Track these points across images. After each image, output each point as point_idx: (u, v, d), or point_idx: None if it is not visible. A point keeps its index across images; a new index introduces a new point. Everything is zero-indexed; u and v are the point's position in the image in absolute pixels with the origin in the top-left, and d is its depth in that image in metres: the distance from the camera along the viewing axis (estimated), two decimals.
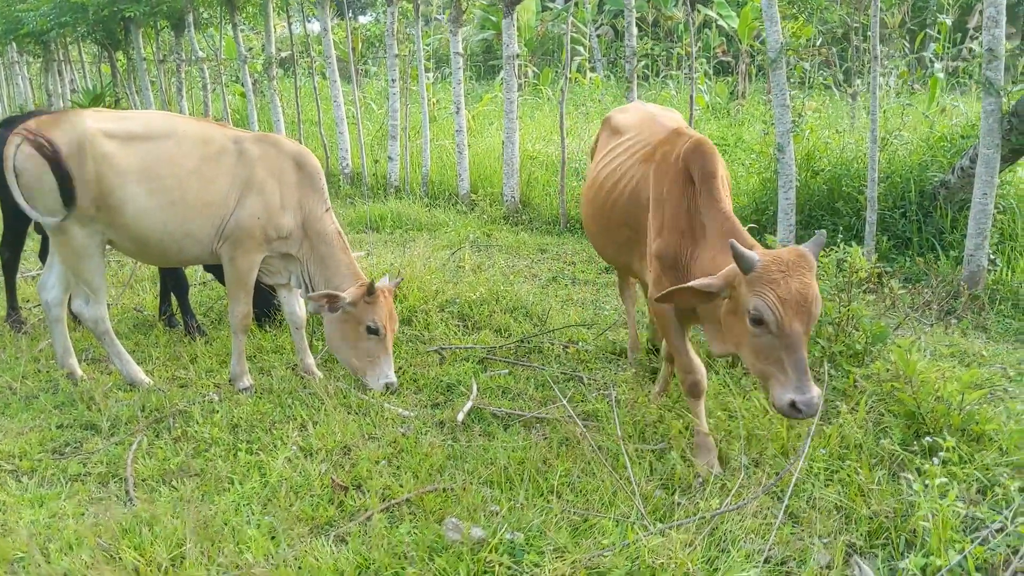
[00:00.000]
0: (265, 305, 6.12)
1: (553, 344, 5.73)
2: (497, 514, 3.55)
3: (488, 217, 9.85)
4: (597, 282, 7.47)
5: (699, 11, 23.70)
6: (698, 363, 4.08)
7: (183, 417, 4.71)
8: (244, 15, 14.50)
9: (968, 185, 6.97)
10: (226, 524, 3.57)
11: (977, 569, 3.00)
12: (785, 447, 4.07)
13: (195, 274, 7.58)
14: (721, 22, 22.27)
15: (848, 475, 3.73)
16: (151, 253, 5.02)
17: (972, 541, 3.13)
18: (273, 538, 3.49)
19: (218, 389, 5.17)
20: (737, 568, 3.11)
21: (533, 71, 24.53)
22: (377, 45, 23.09)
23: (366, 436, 4.47)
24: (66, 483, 4.09)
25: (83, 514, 3.76)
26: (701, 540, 3.28)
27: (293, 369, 5.47)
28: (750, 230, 7.58)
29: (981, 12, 20.38)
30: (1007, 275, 6.73)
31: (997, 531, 3.30)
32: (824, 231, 3.61)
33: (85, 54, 21.25)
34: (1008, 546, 3.19)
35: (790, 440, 4.08)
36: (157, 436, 4.53)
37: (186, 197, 4.83)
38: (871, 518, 3.46)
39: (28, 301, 6.90)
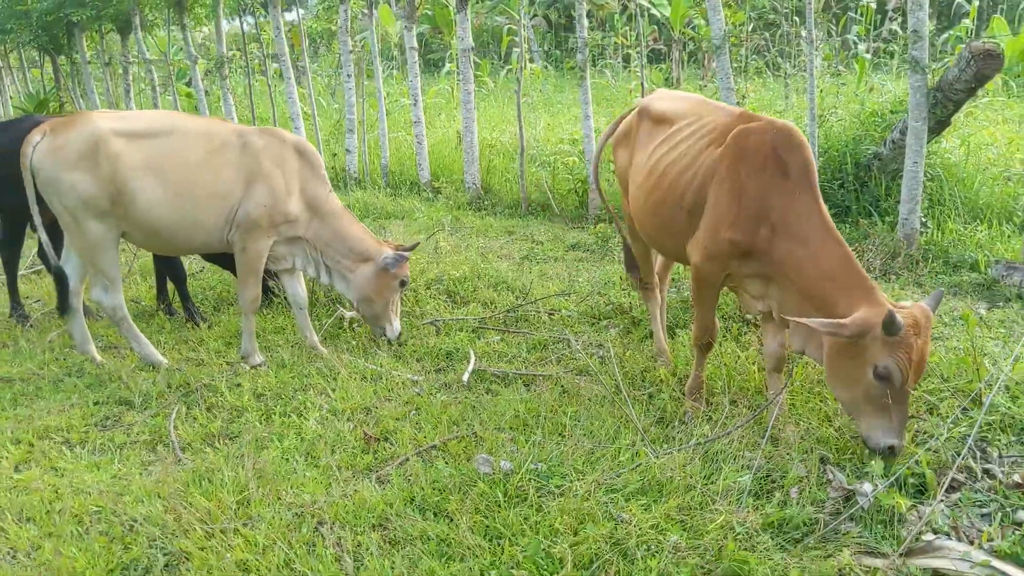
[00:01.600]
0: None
1: (538, 312, 6.25)
2: (518, 452, 4.06)
3: (454, 203, 10.32)
4: (566, 258, 8.00)
5: (631, 0, 24.33)
6: (717, 328, 4.57)
7: (209, 390, 5.12)
8: (192, 15, 14.67)
9: (899, 156, 7.64)
10: (280, 471, 4.01)
11: (928, 465, 3.62)
12: (760, 386, 4.66)
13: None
14: (654, 11, 22.95)
15: (816, 404, 4.33)
16: (163, 242, 5.41)
17: (922, 448, 3.74)
18: (321, 483, 3.95)
19: (230, 367, 5.57)
20: (731, 477, 3.67)
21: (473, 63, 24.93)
22: (319, 41, 23.31)
23: (382, 399, 4.94)
24: (116, 450, 4.48)
25: (141, 474, 4.17)
26: (697, 459, 3.83)
27: (297, 347, 5.90)
28: None
29: None
30: (938, 236, 7.42)
31: (945, 440, 3.92)
32: (942, 289, 3.92)
33: (25, 60, 21.07)
34: (953, 450, 3.81)
35: (762, 382, 4.67)
36: (188, 408, 4.93)
37: (193, 189, 5.22)
38: (837, 438, 4.06)
39: (28, 297, 7.17)
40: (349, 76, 12.19)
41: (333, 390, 5.04)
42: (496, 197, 10.63)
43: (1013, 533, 3.27)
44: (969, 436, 3.76)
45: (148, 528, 3.62)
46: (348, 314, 6.37)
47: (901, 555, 3.17)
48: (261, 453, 4.26)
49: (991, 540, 3.22)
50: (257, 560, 3.36)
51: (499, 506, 3.59)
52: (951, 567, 3.07)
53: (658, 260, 5.53)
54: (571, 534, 3.31)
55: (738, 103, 8.32)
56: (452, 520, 3.56)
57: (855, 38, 18.83)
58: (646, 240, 5.12)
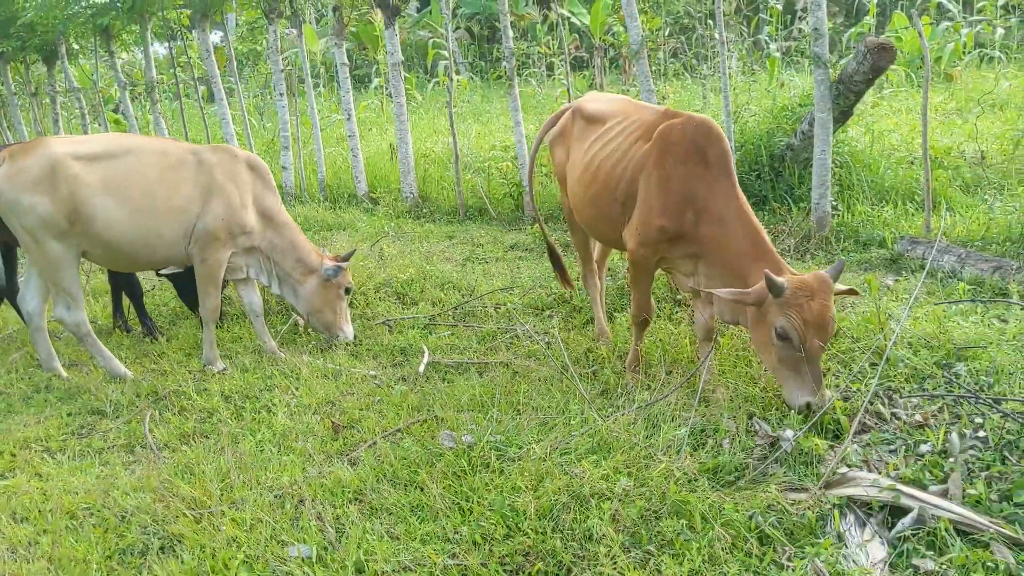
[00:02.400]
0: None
1: (485, 307, 6.63)
2: (477, 428, 4.42)
3: (394, 212, 10.65)
4: (506, 258, 8.40)
5: (551, 9, 24.88)
6: (652, 306, 5.00)
7: (178, 395, 5.38)
8: (119, 42, 14.75)
9: (809, 146, 8.21)
10: (257, 460, 4.32)
11: (843, 413, 4.09)
12: (691, 357, 5.11)
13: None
14: (574, 19, 23.56)
15: (742, 368, 4.79)
16: (123, 259, 5.66)
17: (836, 396, 4.22)
18: (297, 467, 4.27)
19: (193, 374, 5.83)
20: (669, 433, 4.09)
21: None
22: (244, 62, 23.36)
23: (344, 393, 5.27)
24: (95, 455, 4.74)
25: (124, 473, 4.44)
26: (640, 421, 4.25)
27: (255, 352, 6.18)
28: None
29: None
30: (848, 218, 8.00)
31: (857, 391, 4.41)
32: (843, 259, 4.39)
33: None
34: (863, 399, 4.29)
35: (694, 352, 5.12)
36: (160, 413, 5.19)
37: (152, 204, 5.50)
38: (762, 396, 4.52)
39: None
40: (281, 95, 12.43)
41: (297, 388, 5.35)
42: (434, 205, 11.00)
43: (915, 463, 3.75)
44: (873, 381, 4.23)
45: (140, 517, 3.90)
46: (301, 320, 6.66)
47: (821, 488, 3.62)
48: (237, 446, 4.56)
49: (897, 469, 3.69)
50: (246, 535, 3.67)
51: (464, 473, 3.95)
52: (863, 493, 3.53)
53: (596, 249, 5.95)
54: (532, 490, 3.69)
55: (659, 104, 8.81)
56: (422, 490, 3.91)
57: (766, 38, 19.63)
58: (586, 229, 5.53)
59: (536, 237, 8.84)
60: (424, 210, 10.83)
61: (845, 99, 7.77)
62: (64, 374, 5.89)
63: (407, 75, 24.23)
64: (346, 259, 6.11)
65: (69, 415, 5.26)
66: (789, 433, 3.95)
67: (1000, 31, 15.93)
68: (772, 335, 4.07)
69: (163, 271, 6.24)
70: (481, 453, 4.08)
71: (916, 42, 16.13)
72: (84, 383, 5.67)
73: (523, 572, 3.29)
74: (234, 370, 5.79)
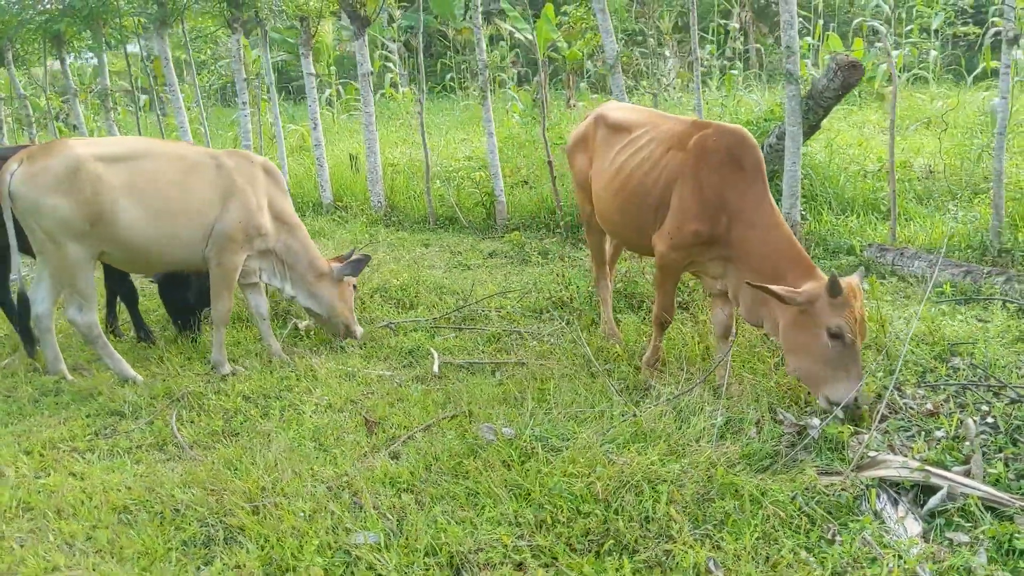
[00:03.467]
0: (188, 313, 6.77)
1: (485, 311, 6.80)
2: (511, 422, 4.59)
3: (367, 220, 10.74)
4: (488, 265, 8.58)
5: (494, 24, 25.18)
6: (674, 308, 5.20)
7: (195, 397, 5.42)
8: (71, 48, 14.51)
9: (776, 158, 8.58)
10: (299, 455, 4.42)
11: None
12: (700, 355, 5.37)
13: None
14: (518, 35, 23.87)
15: (755, 364, 5.07)
16: (141, 260, 5.68)
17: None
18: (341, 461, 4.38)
19: (200, 377, 5.86)
20: (699, 424, 4.33)
21: (339, 90, 25.16)
22: (186, 70, 23.03)
23: (364, 393, 5.38)
24: (125, 454, 4.76)
25: (162, 470, 4.49)
26: (669, 413, 4.48)
27: (258, 356, 6.23)
28: None
29: (740, 15, 22.92)
30: (816, 226, 8.40)
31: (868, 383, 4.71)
32: (863, 268, 4.73)
33: None
34: (874, 391, 4.59)
35: (709, 350, 5.39)
36: (181, 413, 5.23)
37: (171, 207, 5.55)
38: (776, 389, 4.79)
39: None
40: (244, 104, 12.40)
41: (315, 389, 5.44)
42: (403, 214, 11.12)
43: (934, 446, 4.05)
44: (893, 375, 4.53)
45: (196, 510, 3.97)
46: (302, 324, 6.74)
47: (852, 470, 3.89)
48: (271, 443, 4.64)
49: (921, 452, 3.98)
50: (307, 525, 3.77)
51: (512, 463, 4.12)
52: (894, 474, 3.81)
53: (608, 251, 6.17)
54: (586, 476, 3.88)
55: None
56: (470, 479, 4.06)
57: (708, 56, 20.23)
58: (611, 233, 5.73)
59: (514, 245, 9.04)
60: (393, 218, 10.94)
61: (814, 114, 8.17)
62: (69, 376, 5.86)
63: (345, 87, 24.31)
64: (356, 259, 6.31)
65: (88, 416, 5.25)
66: (816, 421, 4.22)
67: (933, 54, 16.74)
68: (823, 336, 4.24)
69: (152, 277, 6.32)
70: (524, 444, 4.25)
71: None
72: (94, 386, 5.65)
73: (590, 552, 3.48)
74: (249, 372, 5.84)
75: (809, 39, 18.23)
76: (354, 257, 6.32)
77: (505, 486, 3.94)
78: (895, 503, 3.73)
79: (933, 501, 3.67)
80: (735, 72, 16.53)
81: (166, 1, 12.03)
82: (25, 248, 6.27)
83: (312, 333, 6.65)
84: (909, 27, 19.51)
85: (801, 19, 19.13)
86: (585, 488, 3.78)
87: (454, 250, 9.25)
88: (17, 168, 5.31)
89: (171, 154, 5.65)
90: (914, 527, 3.57)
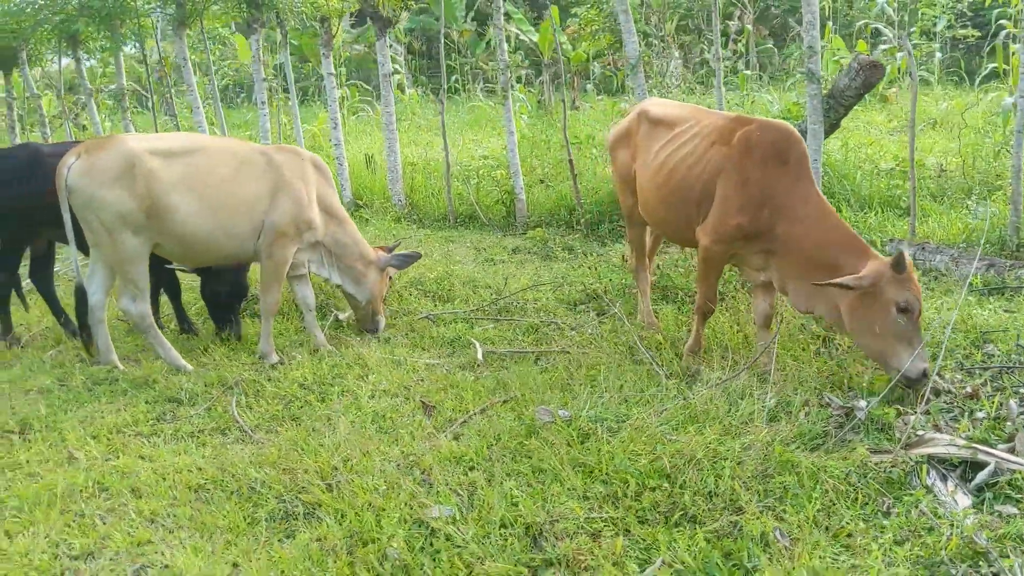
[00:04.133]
0: (230, 312, 6.86)
1: (522, 303, 6.97)
2: (564, 406, 4.76)
3: (391, 217, 10.90)
4: (514, 260, 8.75)
5: (489, 25, 25.31)
6: (716, 298, 5.37)
7: (249, 384, 5.57)
8: (86, 49, 14.64)
9: None
10: (363, 436, 4.58)
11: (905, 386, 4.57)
12: (736, 344, 5.55)
13: None
14: (523, 36, 24.06)
15: (796, 351, 5.25)
16: (195, 253, 5.85)
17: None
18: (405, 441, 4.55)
19: (246, 367, 6.01)
20: (749, 407, 4.50)
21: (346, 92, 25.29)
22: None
23: (414, 380, 5.54)
24: (189, 438, 4.92)
25: (229, 452, 4.65)
26: (719, 395, 4.66)
27: (303, 347, 6.39)
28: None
29: (740, 17, 23.12)
30: None
31: None
32: (904, 242, 4.86)
33: None
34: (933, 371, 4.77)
35: (748, 338, 5.58)
36: (240, 399, 5.38)
37: (225, 201, 5.72)
38: (817, 375, 4.97)
39: (21, 324, 7.29)
40: (264, 104, 12.55)
41: (366, 375, 5.60)
42: (422, 211, 11.28)
43: (977, 427, 4.24)
44: (937, 360, 4.70)
45: (273, 488, 4.14)
46: (342, 315, 6.91)
47: (902, 448, 4.07)
48: (334, 427, 4.80)
49: (965, 432, 4.17)
50: (382, 500, 3.94)
51: (571, 443, 4.29)
52: (943, 451, 3.99)
53: (648, 243, 6.34)
54: (648, 454, 4.05)
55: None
56: (533, 457, 4.23)
57: (711, 56, 20.44)
58: (654, 226, 5.89)
59: (537, 242, 9.22)
60: (414, 216, 11.10)
61: (835, 112, 8.36)
62: (121, 366, 6.00)
63: (350, 88, 24.44)
64: (407, 253, 6.58)
65: (147, 403, 5.39)
66: (862, 403, 4.40)
67: (938, 56, 16.97)
68: (892, 312, 4.44)
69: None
70: (582, 425, 4.42)
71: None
72: (148, 374, 5.80)
73: (658, 524, 3.65)
74: (302, 360, 5.98)
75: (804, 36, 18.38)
76: (404, 251, 6.51)
77: (570, 463, 4.10)
78: (944, 479, 3.91)
79: (981, 476, 3.85)
80: (747, 72, 16.67)
81: (185, 2, 12.20)
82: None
83: (348, 324, 6.82)
84: (912, 29, 19.76)
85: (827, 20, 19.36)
86: (649, 465, 3.96)
87: (478, 246, 9.42)
88: (74, 162, 5.47)
89: (223, 149, 5.82)
90: (964, 500, 3.75)
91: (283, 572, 3.52)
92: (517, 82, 23.12)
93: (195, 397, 5.47)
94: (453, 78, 25.37)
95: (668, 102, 6.09)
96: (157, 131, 14.02)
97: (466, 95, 24.31)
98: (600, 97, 21.46)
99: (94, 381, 5.85)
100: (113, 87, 19.52)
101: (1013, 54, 12.79)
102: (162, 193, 5.51)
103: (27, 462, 4.64)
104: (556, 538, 3.58)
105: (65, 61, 17.12)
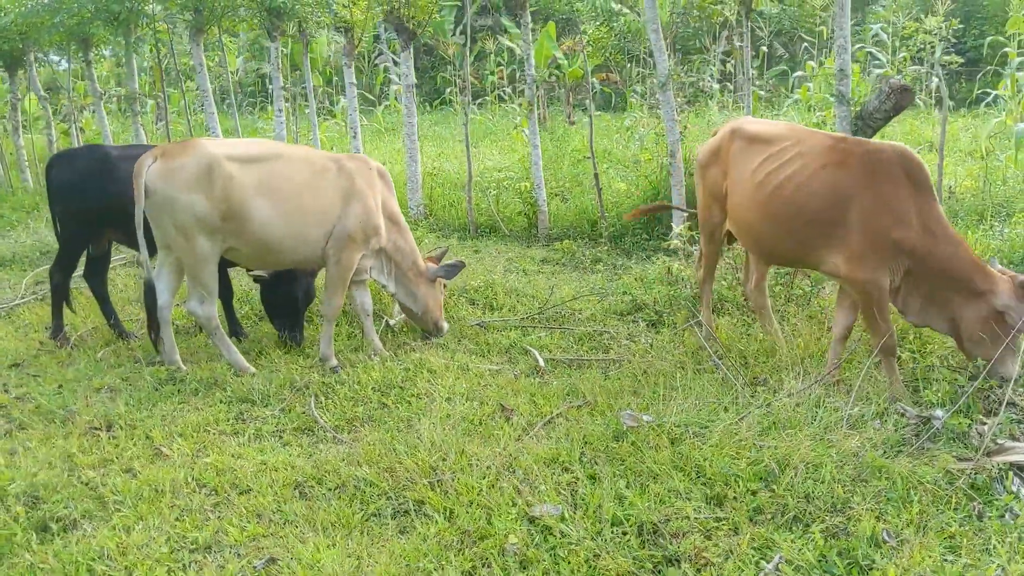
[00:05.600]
0: (295, 325, 6.83)
1: (566, 313, 7.11)
2: (646, 410, 4.90)
3: (413, 227, 10.98)
4: (545, 271, 8.90)
5: (477, 41, 25.53)
6: (893, 330, 5.30)
7: (319, 387, 5.66)
8: (97, 53, 14.63)
9: None
10: (451, 437, 4.69)
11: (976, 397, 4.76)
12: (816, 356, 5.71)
13: None
14: (519, 51, 24.27)
15: (858, 364, 5.45)
16: (267, 257, 5.95)
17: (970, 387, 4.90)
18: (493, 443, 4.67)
19: (305, 370, 6.09)
20: (827, 415, 4.67)
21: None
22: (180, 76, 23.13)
23: (481, 385, 5.66)
24: (272, 437, 5.00)
25: (319, 452, 4.74)
26: (800, 405, 4.81)
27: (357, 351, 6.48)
28: (650, 220, 9.26)
29: (729, 39, 23.39)
30: None
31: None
32: (995, 259, 5.15)
33: None
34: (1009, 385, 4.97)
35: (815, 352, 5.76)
36: (323, 399, 5.49)
37: (302, 206, 5.82)
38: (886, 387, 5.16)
39: (67, 324, 7.30)
40: (280, 111, 12.64)
41: (434, 380, 5.71)
42: (442, 221, 11.41)
43: None
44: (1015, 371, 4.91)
45: (376, 486, 4.24)
46: (392, 321, 7.01)
47: (983, 455, 4.25)
48: (418, 428, 4.90)
49: None
50: (485, 497, 4.05)
51: (665, 445, 4.42)
52: (1022, 458, 4.18)
53: (754, 273, 6.31)
54: (744, 458, 4.20)
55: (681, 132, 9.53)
56: (626, 459, 4.36)
57: (708, 78, 20.80)
58: (751, 241, 5.82)
59: (564, 253, 9.38)
60: (434, 226, 11.22)
61: (863, 133, 8.59)
62: (184, 367, 6.06)
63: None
64: (452, 264, 6.71)
65: (221, 403, 5.46)
66: (939, 412, 4.58)
67: (935, 81, 17.38)
68: (1012, 328, 4.78)
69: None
70: (669, 430, 4.56)
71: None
72: (213, 375, 5.87)
73: (767, 524, 3.79)
74: (369, 364, 6.06)
75: (812, 63, 18.79)
76: (450, 261, 6.63)
77: (670, 465, 4.24)
78: None
79: None
80: (761, 93, 16.95)
81: (203, 8, 12.27)
82: (131, 243, 6.52)
83: (399, 329, 6.93)
84: (901, 55, 20.23)
85: (806, 44, 19.74)
86: (749, 468, 4.11)
87: (506, 256, 9.54)
88: (153, 163, 5.55)
89: (299, 157, 5.94)
90: None
91: (408, 566, 3.62)
92: (505, 97, 23.42)
93: (267, 398, 5.54)
94: (447, 90, 25.52)
95: (762, 120, 6.18)
96: (170, 137, 14.05)
97: (459, 107, 24.39)
98: (598, 113, 21.67)
99: (159, 381, 5.90)
100: (112, 91, 19.50)
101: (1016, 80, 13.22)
102: (239, 198, 5.60)
103: (118, 458, 4.71)
104: (670, 536, 3.71)
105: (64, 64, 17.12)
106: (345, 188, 6.01)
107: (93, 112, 15.04)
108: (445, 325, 6.69)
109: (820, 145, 5.32)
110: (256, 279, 6.54)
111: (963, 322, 4.96)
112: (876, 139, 5.56)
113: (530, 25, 10.55)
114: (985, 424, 4.56)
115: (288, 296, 6.49)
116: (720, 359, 5.63)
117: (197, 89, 13.59)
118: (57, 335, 6.85)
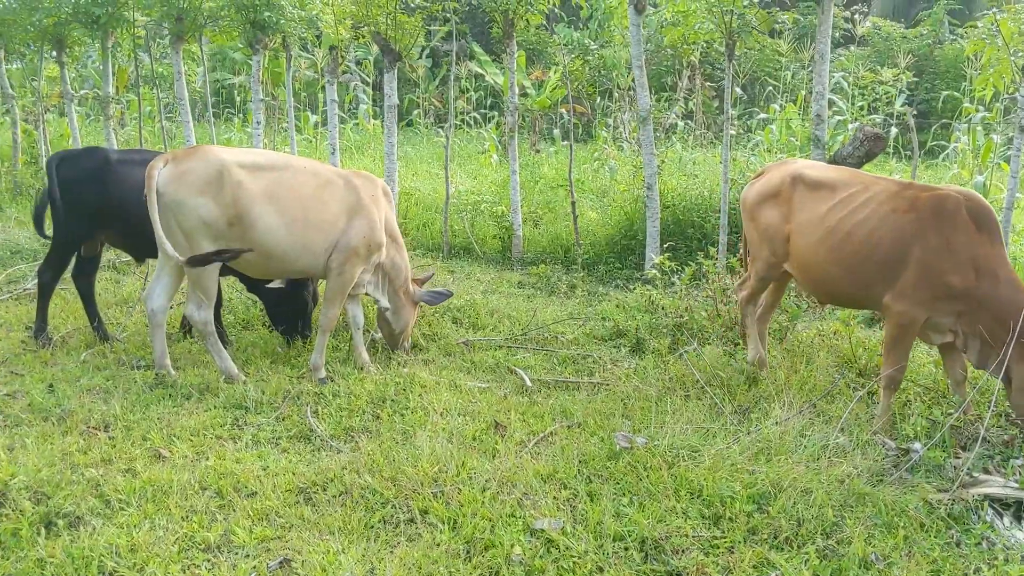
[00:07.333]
0: (304, 326, 7.01)
1: (548, 335, 7.28)
2: (637, 433, 5.07)
3: None
4: (521, 294, 9.06)
5: (443, 66, 25.78)
6: (904, 369, 5.55)
7: (312, 396, 5.73)
8: (71, 55, 14.51)
9: None
10: (447, 450, 4.80)
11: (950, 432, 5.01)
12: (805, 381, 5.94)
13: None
14: (488, 79, 24.57)
15: (849, 396, 5.69)
16: (270, 265, 6.02)
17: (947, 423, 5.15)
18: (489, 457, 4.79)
19: (294, 380, 6.15)
20: (811, 444, 4.88)
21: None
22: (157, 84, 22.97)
23: (470, 401, 5.78)
24: (269, 444, 5.06)
25: (318, 459, 4.82)
26: (789, 432, 5.02)
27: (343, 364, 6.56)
28: (623, 250, 9.36)
29: (691, 78, 23.80)
30: None
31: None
32: None
33: None
34: (985, 421, 5.22)
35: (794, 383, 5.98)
36: (319, 408, 5.57)
37: (307, 216, 5.92)
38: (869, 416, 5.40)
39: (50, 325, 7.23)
40: (259, 123, 12.67)
41: (425, 395, 5.81)
42: (416, 241, 11.52)
43: (1020, 472, 4.69)
44: (990, 407, 5.14)
45: (380, 495, 4.33)
46: (377, 335, 7.11)
47: (959, 487, 4.48)
48: (413, 440, 5.00)
49: (1014, 475, 4.61)
50: (488, 508, 4.17)
51: (651, 468, 4.58)
52: (999, 491, 4.42)
53: (764, 299, 6.51)
54: (737, 481, 4.38)
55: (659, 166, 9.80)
56: (622, 479, 4.52)
57: (675, 114, 21.26)
58: (810, 285, 6.02)
59: (540, 278, 9.55)
60: (408, 245, 11.31)
61: None
62: (173, 372, 6.08)
63: (302, 114, 24.41)
64: (439, 291, 6.92)
65: (215, 408, 5.50)
66: (917, 445, 4.82)
67: (894, 131, 17.99)
68: None
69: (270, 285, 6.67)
70: (663, 452, 4.73)
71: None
72: (203, 381, 5.91)
73: (762, 544, 3.96)
74: (360, 376, 6.17)
75: (775, 105, 19.31)
76: (437, 289, 6.81)
77: (667, 485, 4.40)
78: (1000, 516, 4.34)
79: None
80: (732, 133, 17.34)
81: (184, 17, 12.30)
82: (125, 246, 6.57)
83: (382, 345, 7.04)
84: (860, 104, 20.90)
85: (771, 87, 20.27)
86: (743, 490, 4.29)
87: (479, 279, 9.69)
88: (164, 167, 5.62)
89: (307, 169, 6.06)
90: (1021, 536, 4.18)
91: (420, 573, 3.72)
92: (481, 123, 23.63)
93: (260, 405, 5.60)
94: (415, 111, 25.62)
95: (821, 164, 6.35)
96: (114, 142, 13.99)
97: (426, 130, 24.53)
98: (565, 142, 21.98)
99: (149, 385, 5.92)
100: (83, 93, 19.32)
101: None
102: (247, 204, 5.69)
103: (118, 458, 4.74)
104: (671, 552, 3.87)
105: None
106: (351, 203, 6.13)
107: (62, 114, 14.89)
108: (408, 346, 6.84)
109: (887, 191, 5.49)
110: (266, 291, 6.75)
111: (1015, 372, 5.11)
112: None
113: (515, 53, 10.78)
114: (959, 458, 4.82)
115: (300, 300, 6.67)
116: (706, 385, 5.83)
117: (175, 97, 13.53)
118: (40, 334, 6.82)
